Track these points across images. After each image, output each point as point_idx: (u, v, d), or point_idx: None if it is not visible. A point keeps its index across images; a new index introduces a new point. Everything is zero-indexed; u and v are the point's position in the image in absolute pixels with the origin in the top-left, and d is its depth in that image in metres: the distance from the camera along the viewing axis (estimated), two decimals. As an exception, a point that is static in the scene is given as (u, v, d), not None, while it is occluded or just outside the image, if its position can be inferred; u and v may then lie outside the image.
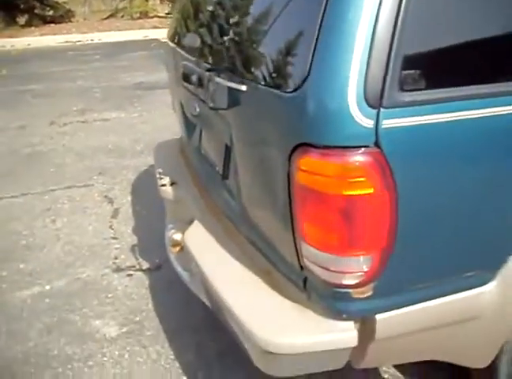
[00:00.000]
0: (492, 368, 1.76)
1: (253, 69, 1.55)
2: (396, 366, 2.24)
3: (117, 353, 2.41)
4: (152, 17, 14.62)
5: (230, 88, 1.58)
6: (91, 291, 2.86)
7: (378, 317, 1.46)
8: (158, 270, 3.01)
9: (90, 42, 11.93)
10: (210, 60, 1.84)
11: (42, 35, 12.36)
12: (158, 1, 16.02)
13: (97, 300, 2.79)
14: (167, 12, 15.02)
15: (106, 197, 4.02)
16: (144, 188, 4.07)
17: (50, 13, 14.18)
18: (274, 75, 1.44)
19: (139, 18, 14.59)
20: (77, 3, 15.65)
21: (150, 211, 3.65)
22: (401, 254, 1.39)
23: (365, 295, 1.42)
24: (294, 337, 1.48)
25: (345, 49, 1.23)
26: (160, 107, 6.11)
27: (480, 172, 1.40)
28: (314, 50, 1.27)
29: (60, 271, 3.06)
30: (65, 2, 14.72)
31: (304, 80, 1.28)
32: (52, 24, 13.57)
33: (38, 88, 7.57)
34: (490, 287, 1.57)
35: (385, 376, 2.22)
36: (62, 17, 14.22)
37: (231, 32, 1.72)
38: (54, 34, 12.42)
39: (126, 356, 2.39)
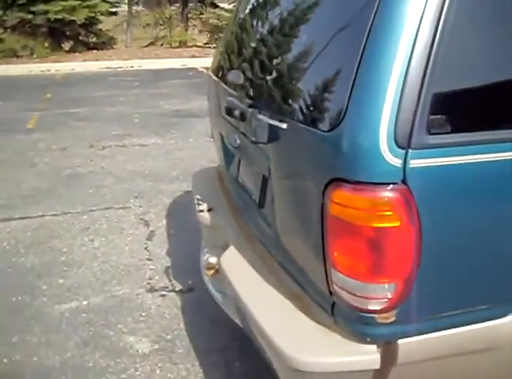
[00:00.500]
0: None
1: (293, 108, 1.70)
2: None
3: (149, 368, 2.54)
4: (191, 47, 15.01)
5: (271, 125, 1.73)
6: (126, 309, 3.00)
7: (400, 342, 1.56)
8: (190, 292, 3.15)
9: (130, 68, 12.31)
10: (253, 97, 2.00)
11: (85, 60, 12.81)
12: (197, 31, 16.46)
13: (131, 317, 2.92)
14: (205, 42, 15.43)
15: (142, 219, 4.19)
16: (179, 212, 4.22)
17: (94, 39, 14.68)
18: (313, 115, 1.58)
19: (178, 47, 15.00)
20: (119, 31, 16.18)
21: (184, 235, 3.79)
22: (424, 284, 1.49)
23: (388, 321, 1.52)
24: (321, 357, 1.59)
25: (378, 95, 1.36)
26: (195, 135, 6.32)
27: (500, 211, 1.50)
28: (350, 95, 1.41)
29: (97, 288, 3.22)
30: (108, 30, 15.22)
31: (340, 121, 1.42)
32: (95, 51, 14.04)
33: (80, 111, 7.87)
34: (507, 320, 1.66)
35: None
36: (105, 44, 14.70)
37: (273, 71, 1.88)
38: (97, 60, 12.86)
39: (158, 372, 2.51)
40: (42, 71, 11.86)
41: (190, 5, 16.05)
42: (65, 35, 14.07)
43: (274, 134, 1.73)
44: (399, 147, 1.37)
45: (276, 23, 2.05)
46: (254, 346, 1.92)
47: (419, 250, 1.44)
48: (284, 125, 1.64)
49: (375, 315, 1.52)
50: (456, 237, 1.49)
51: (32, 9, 12.85)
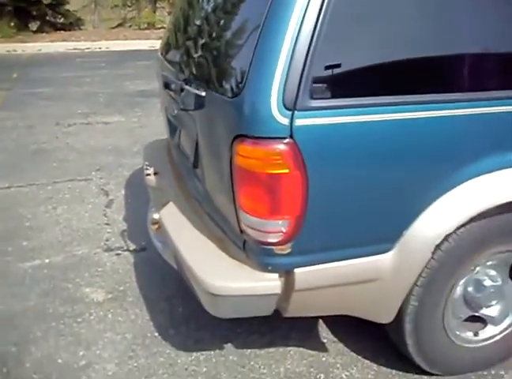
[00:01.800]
0: (398, 326, 2.23)
1: (210, 80, 2.05)
2: (331, 331, 2.71)
3: (102, 313, 2.88)
4: (159, 28, 15.13)
5: (195, 94, 2.07)
6: (83, 266, 3.33)
7: (297, 270, 1.93)
8: (143, 251, 3.48)
9: (98, 50, 12.45)
10: (183, 71, 2.34)
11: (52, 41, 12.89)
12: (166, 13, 16.57)
13: (88, 272, 3.25)
14: (173, 24, 15.55)
15: (102, 189, 4.51)
16: (136, 183, 4.52)
17: (61, 20, 14.74)
18: (223, 85, 1.94)
19: (146, 29, 15.13)
20: (87, 12, 16.23)
21: (140, 202, 4.07)
22: (312, 221, 1.86)
23: (285, 252, 1.89)
24: (230, 283, 1.95)
25: (270, 69, 1.72)
26: (157, 114, 6.55)
27: (372, 164, 1.87)
28: (249, 69, 1.77)
29: (58, 248, 3.53)
30: (75, 11, 15.28)
31: (242, 90, 1.78)
32: (62, 31, 14.11)
33: (46, 91, 8.06)
34: (389, 256, 2.03)
35: (324, 341, 2.68)
36: (72, 25, 14.78)
37: (198, 49, 2.23)
38: (64, 41, 12.95)
39: (110, 316, 2.86)
40: (8, 51, 11.92)
41: (159, -14, 16.20)
42: (32, 15, 14.10)
43: (197, 102, 2.07)
44: (287, 109, 1.73)
45: (205, 5, 2.39)
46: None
47: (306, 192, 1.81)
48: (203, 93, 2.00)
49: (273, 247, 1.88)
50: (338, 183, 1.86)
51: (-3, -13, 12.91)
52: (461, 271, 2.21)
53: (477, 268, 2.29)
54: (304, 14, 1.72)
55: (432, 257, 2.07)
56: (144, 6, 15.94)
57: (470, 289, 2.31)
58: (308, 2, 1.72)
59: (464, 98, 1.95)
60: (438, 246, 2.05)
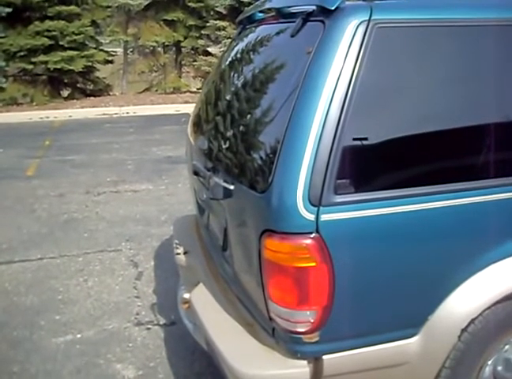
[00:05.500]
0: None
1: (238, 174, 2.16)
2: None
3: (133, 391, 2.93)
4: (185, 92, 15.54)
5: (223, 186, 2.18)
6: (115, 341, 3.39)
7: (325, 357, 1.98)
8: (172, 325, 3.54)
9: (126, 115, 12.80)
10: (211, 161, 2.47)
11: (82, 107, 13.31)
12: (190, 78, 17.02)
13: (119, 348, 3.32)
14: (198, 87, 15.99)
15: (132, 261, 4.61)
16: (166, 254, 4.62)
17: (91, 87, 15.24)
18: (251, 180, 2.04)
19: (172, 93, 15.51)
20: (115, 77, 16.78)
21: (169, 275, 4.19)
22: (339, 311, 1.92)
23: (313, 340, 1.94)
24: (261, 370, 2.01)
25: (296, 168, 1.83)
26: (184, 181, 6.74)
27: (395, 253, 1.94)
28: (276, 168, 1.87)
29: (89, 323, 3.61)
30: (104, 77, 15.82)
31: (269, 186, 1.88)
32: (92, 97, 14.56)
33: (76, 158, 8.31)
34: (415, 339, 2.07)
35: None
36: (101, 91, 15.25)
37: (226, 142, 2.35)
38: (93, 106, 13.37)
39: (141, 394, 2.91)
40: (41, 118, 12.34)
41: (183, 51, 16.68)
42: (64, 83, 14.65)
43: (226, 193, 2.18)
44: (312, 205, 1.82)
45: (231, 96, 2.53)
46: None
47: (333, 283, 1.88)
48: (232, 187, 2.10)
49: (302, 336, 1.94)
50: (363, 273, 1.93)
51: (33, 59, 13.44)
52: (489, 351, 2.22)
53: (506, 347, 2.30)
54: (326, 117, 1.84)
55: (459, 340, 2.10)
56: (169, 72, 16.41)
57: (500, 368, 2.31)
58: (328, 109, 1.85)
59: (487, 185, 2.03)
60: (464, 329, 2.09)
